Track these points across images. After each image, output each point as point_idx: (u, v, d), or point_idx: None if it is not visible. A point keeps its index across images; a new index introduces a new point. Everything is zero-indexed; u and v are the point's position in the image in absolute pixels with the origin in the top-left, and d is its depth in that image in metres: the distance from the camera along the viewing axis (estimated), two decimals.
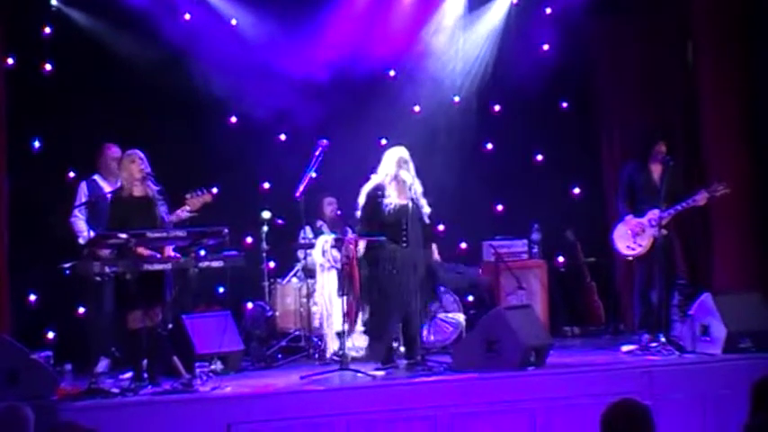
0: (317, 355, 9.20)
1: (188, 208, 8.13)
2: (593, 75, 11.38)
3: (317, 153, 9.20)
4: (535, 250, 10.87)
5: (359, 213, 8.62)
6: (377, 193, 8.52)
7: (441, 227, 10.41)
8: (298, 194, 9.11)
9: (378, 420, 7.47)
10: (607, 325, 10.73)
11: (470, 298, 10.59)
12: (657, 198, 9.05)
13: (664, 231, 9.03)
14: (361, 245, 8.48)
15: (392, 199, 8.49)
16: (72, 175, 9.82)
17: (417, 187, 8.54)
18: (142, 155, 8.19)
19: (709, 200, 9.12)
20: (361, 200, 8.58)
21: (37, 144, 10.04)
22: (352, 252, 8.45)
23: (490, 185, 11.25)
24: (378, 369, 8.37)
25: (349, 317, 8.60)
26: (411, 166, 8.57)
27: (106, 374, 8.41)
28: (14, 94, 9.57)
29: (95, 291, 8.28)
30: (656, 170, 9.26)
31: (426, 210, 8.57)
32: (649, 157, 9.27)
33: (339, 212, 10.33)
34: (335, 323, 8.89)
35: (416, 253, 8.50)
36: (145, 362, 7.80)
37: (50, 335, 9.77)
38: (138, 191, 8.09)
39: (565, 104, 11.44)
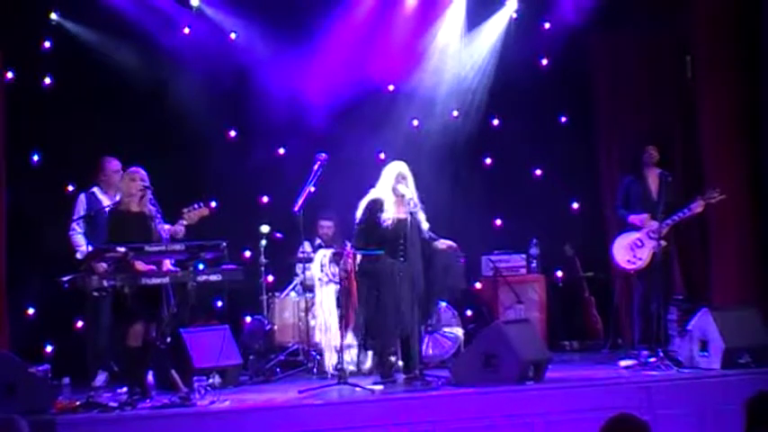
0: (315, 370, 9.19)
1: (185, 222, 8.15)
2: (592, 89, 11.37)
3: (315, 167, 9.20)
4: (534, 264, 10.88)
5: (356, 226, 8.62)
6: (374, 207, 8.52)
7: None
8: (296, 209, 9.09)
9: None
10: (605, 339, 10.68)
11: (469, 312, 10.60)
12: (654, 211, 9.11)
13: (663, 243, 9.06)
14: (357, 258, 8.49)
15: (391, 213, 8.49)
16: (71, 188, 9.83)
17: (416, 202, 8.55)
18: (144, 173, 8.21)
19: (705, 207, 9.16)
20: (359, 213, 8.59)
21: (36, 158, 10.07)
22: (350, 266, 8.44)
23: (489, 200, 11.24)
24: (376, 383, 8.36)
25: (347, 331, 8.61)
26: (410, 180, 8.58)
27: (104, 388, 8.42)
28: (14, 107, 9.60)
29: (93, 304, 8.29)
30: (653, 182, 9.34)
31: (425, 225, 8.58)
32: (642, 166, 9.36)
33: (333, 230, 10.27)
34: (334, 337, 8.88)
35: (415, 267, 8.50)
36: (142, 375, 7.80)
37: (49, 348, 9.77)
38: (134, 206, 8.11)
39: (564, 119, 11.45)
